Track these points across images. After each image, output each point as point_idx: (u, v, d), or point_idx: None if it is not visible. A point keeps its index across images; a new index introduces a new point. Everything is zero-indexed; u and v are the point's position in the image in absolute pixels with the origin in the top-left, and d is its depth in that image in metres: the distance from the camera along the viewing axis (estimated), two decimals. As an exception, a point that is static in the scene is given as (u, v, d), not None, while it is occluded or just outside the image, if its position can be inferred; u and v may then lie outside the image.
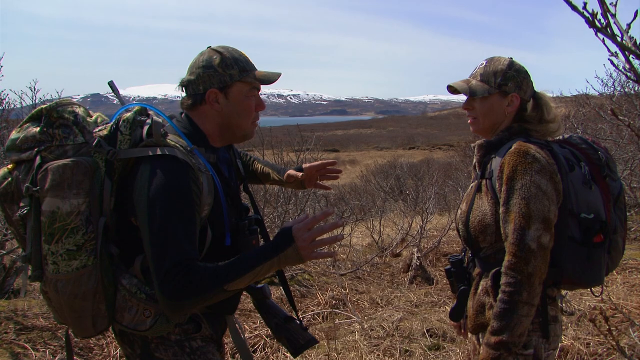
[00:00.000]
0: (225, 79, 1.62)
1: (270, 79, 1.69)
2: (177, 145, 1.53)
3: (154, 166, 1.47)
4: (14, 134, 1.53)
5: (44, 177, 1.43)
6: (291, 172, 2.14)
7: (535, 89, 1.87)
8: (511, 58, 1.84)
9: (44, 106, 1.52)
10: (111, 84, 1.69)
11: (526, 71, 1.84)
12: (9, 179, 1.51)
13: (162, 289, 1.39)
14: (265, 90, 1.76)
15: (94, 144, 1.47)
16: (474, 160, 1.88)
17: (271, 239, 1.55)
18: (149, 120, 1.53)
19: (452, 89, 1.88)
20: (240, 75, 1.63)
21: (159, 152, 1.48)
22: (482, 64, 1.86)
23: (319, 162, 2.16)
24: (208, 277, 1.41)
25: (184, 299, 1.40)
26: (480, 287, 1.77)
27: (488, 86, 1.81)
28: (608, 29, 1.39)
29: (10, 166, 1.53)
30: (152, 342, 1.58)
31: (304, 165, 2.16)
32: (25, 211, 1.45)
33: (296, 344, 1.78)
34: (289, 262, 1.46)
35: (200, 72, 1.62)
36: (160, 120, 1.57)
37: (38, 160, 1.46)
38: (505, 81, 1.80)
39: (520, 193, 1.62)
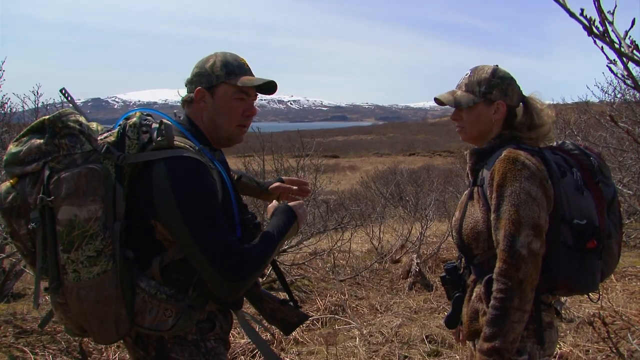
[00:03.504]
0: (211, 79, 1.70)
1: (254, 83, 1.70)
2: (186, 145, 1.58)
3: (170, 166, 1.50)
4: (13, 148, 1.51)
5: (57, 187, 1.43)
6: (277, 185, 2.19)
7: (524, 93, 1.87)
8: (496, 65, 1.84)
9: (45, 118, 1.52)
10: (63, 92, 1.67)
11: (511, 77, 1.84)
12: (13, 193, 1.49)
13: (225, 276, 1.47)
14: (265, 96, 1.80)
15: (103, 150, 1.48)
16: (467, 168, 1.89)
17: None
18: (155, 124, 1.57)
19: (438, 101, 1.89)
20: (226, 77, 1.70)
21: (171, 153, 1.52)
22: (467, 74, 1.87)
23: (297, 179, 2.27)
24: (258, 253, 1.55)
25: (247, 279, 1.51)
26: (474, 294, 1.78)
27: (473, 96, 1.82)
28: (606, 36, 1.40)
29: (12, 181, 1.51)
30: (168, 343, 1.59)
31: (284, 178, 2.24)
32: (36, 224, 1.44)
33: (290, 322, 1.87)
34: (292, 234, 1.73)
35: (195, 73, 1.73)
36: (169, 122, 1.61)
37: (47, 171, 1.45)
38: (490, 89, 1.80)
39: (510, 200, 1.63)
